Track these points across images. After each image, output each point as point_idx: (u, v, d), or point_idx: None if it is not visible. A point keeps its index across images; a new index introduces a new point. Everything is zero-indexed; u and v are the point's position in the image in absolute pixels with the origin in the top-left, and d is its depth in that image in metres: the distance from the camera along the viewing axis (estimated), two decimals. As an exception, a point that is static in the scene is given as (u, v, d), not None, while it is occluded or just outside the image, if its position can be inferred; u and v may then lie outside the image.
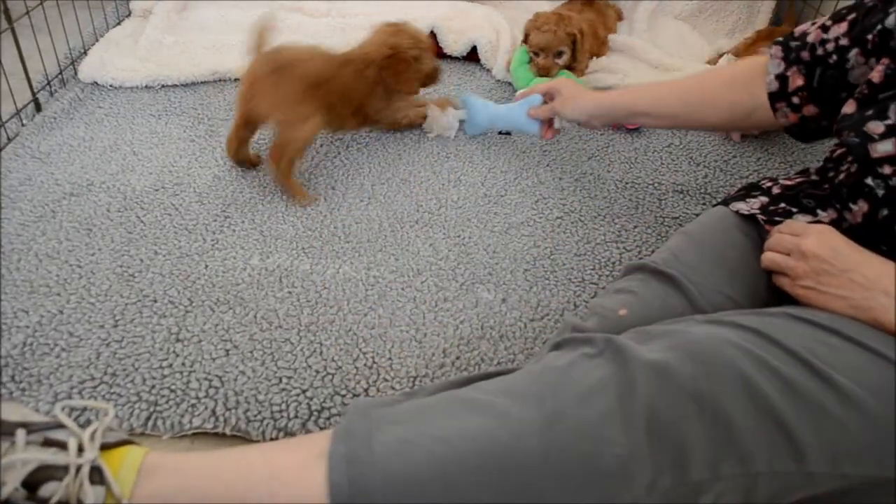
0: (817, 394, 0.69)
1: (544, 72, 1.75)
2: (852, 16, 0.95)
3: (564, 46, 1.75)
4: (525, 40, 1.82)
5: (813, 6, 2.09)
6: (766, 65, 1.06)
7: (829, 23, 0.98)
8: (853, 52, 0.93)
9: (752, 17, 2.21)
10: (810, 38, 0.99)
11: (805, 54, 1.00)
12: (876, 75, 0.86)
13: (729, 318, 0.77)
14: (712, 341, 0.72)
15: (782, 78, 1.03)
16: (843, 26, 0.95)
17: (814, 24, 1.01)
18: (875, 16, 0.90)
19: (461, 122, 1.64)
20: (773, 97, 1.05)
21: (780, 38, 1.05)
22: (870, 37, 0.90)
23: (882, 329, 0.75)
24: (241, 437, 0.97)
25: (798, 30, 1.04)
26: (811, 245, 0.83)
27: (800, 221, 0.92)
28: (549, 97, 1.42)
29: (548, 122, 1.46)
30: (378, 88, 1.52)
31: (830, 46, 0.96)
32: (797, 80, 1.01)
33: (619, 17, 2.19)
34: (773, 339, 0.72)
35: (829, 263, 0.81)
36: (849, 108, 0.89)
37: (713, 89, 1.14)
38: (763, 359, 0.70)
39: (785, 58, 1.03)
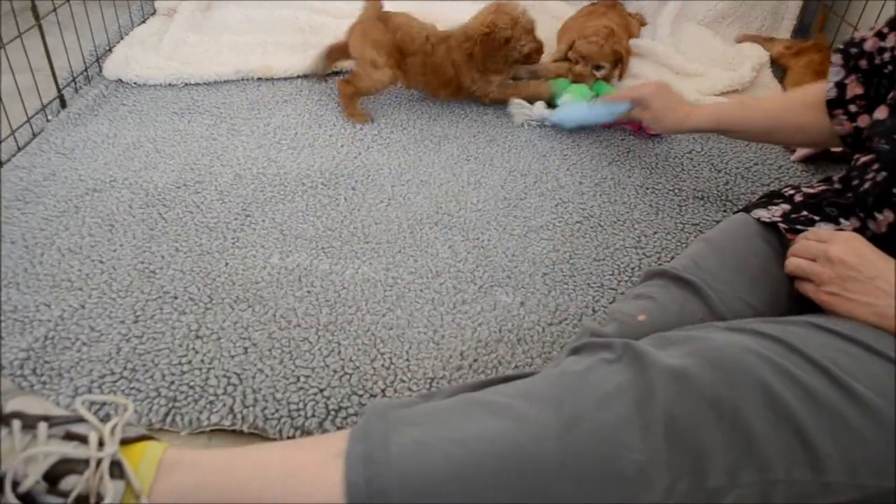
0: (837, 403, 0.68)
1: (580, 79, 1.76)
2: None
3: (606, 62, 1.75)
4: (570, 47, 1.80)
5: (838, 14, 2.07)
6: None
7: (885, 30, 0.98)
8: None
9: (777, 24, 2.20)
10: (867, 46, 0.99)
11: (863, 62, 1.00)
12: None
13: (749, 326, 0.76)
14: (732, 348, 0.71)
15: (840, 86, 1.04)
16: None
17: (871, 29, 1.01)
18: None
19: (547, 119, 1.70)
20: (832, 104, 1.06)
21: (841, 46, 1.05)
22: None
23: None
24: (258, 435, 0.98)
25: (857, 35, 1.03)
26: (838, 251, 0.82)
27: (825, 230, 0.91)
28: (637, 104, 1.47)
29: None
30: (472, 63, 1.68)
31: (887, 56, 0.96)
32: (856, 89, 1.01)
33: (642, 23, 2.18)
34: (793, 347, 0.72)
35: (856, 270, 0.80)
36: (880, 113, 0.89)
37: (801, 114, 1.15)
38: (783, 367, 0.69)
39: (844, 65, 1.03)
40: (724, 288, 0.91)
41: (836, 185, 1.01)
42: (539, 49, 1.69)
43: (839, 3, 2.09)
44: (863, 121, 1.03)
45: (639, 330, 0.86)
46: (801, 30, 2.24)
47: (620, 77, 1.83)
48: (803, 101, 1.16)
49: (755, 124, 1.25)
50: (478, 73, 1.69)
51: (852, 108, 1.03)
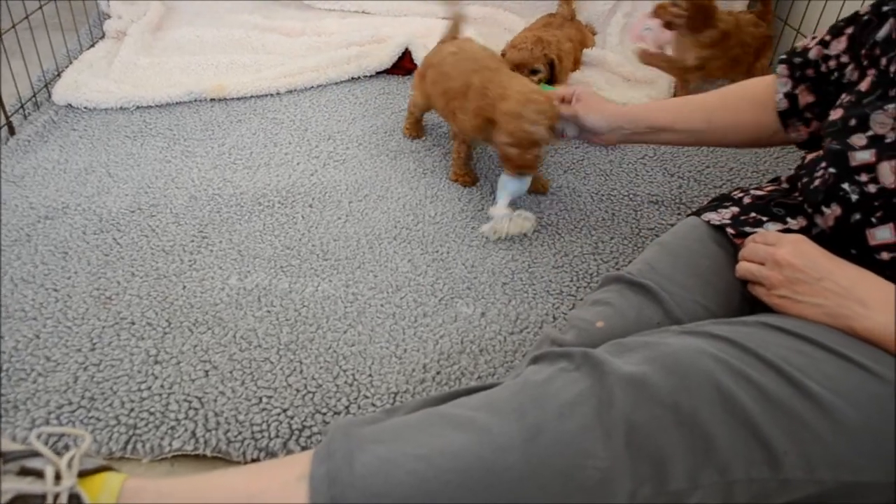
0: (791, 401, 0.69)
1: None
2: (850, 30, 0.97)
3: (540, 65, 1.77)
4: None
5: (780, 18, 2.12)
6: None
7: (828, 37, 1.00)
8: (849, 68, 0.95)
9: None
10: (812, 55, 1.01)
11: (810, 71, 1.02)
12: (864, 85, 0.88)
13: (704, 329, 0.78)
14: (688, 352, 0.73)
15: (791, 96, 1.05)
16: (843, 42, 0.97)
17: (813, 38, 1.03)
18: (871, 31, 0.92)
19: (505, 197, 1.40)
20: (785, 115, 1.06)
21: (785, 56, 1.06)
22: (864, 51, 0.92)
23: (855, 336, 0.77)
24: (221, 459, 0.97)
25: (801, 45, 1.05)
26: (785, 254, 0.84)
27: (773, 231, 0.93)
28: (566, 100, 1.32)
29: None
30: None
31: (833, 63, 0.98)
32: (807, 97, 1.03)
33: (593, 33, 2.21)
34: (747, 348, 0.73)
35: (804, 272, 0.82)
36: (835, 114, 0.91)
37: (738, 109, 1.13)
38: (738, 368, 0.71)
39: (791, 76, 1.04)
40: (678, 290, 0.93)
41: (784, 185, 1.03)
42: (530, 161, 1.34)
43: (782, 8, 2.14)
44: (815, 126, 1.05)
45: (597, 336, 0.87)
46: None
47: (559, 81, 1.83)
48: (741, 95, 1.15)
49: (692, 123, 1.18)
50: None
51: (807, 114, 1.04)
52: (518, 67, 1.77)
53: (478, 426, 0.70)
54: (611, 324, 0.90)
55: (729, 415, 0.69)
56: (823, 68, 1.00)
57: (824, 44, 1.00)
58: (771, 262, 0.86)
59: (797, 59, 1.04)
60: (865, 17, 0.94)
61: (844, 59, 0.97)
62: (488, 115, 1.35)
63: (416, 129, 1.73)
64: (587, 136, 1.33)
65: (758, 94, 1.12)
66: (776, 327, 0.78)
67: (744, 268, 0.90)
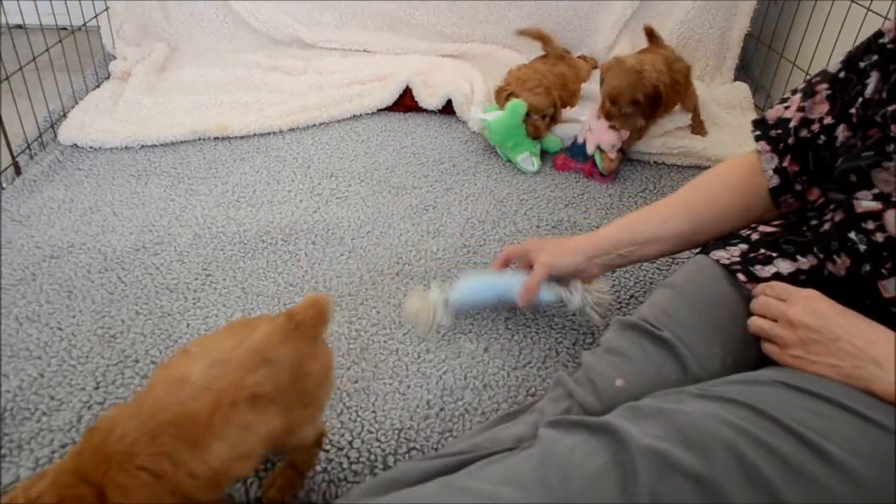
0: (811, 467, 0.69)
1: (537, 132, 1.79)
2: (826, 91, 0.94)
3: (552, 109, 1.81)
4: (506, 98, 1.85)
5: (777, 51, 2.15)
6: (759, 162, 1.03)
7: (803, 103, 0.97)
8: (840, 129, 0.93)
9: (720, 63, 2.27)
10: (792, 124, 0.98)
11: (791, 140, 0.98)
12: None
13: (720, 392, 0.77)
14: (706, 421, 0.72)
15: (781, 171, 1.00)
16: (824, 106, 0.95)
17: (787, 107, 1.00)
18: (853, 88, 0.90)
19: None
20: (777, 191, 1.01)
21: (759, 132, 1.02)
22: (853, 110, 0.90)
23: (874, 397, 0.75)
24: (223, 500, 0.97)
25: (771, 116, 1.02)
26: (798, 313, 0.83)
27: (784, 284, 0.90)
28: (525, 266, 1.23)
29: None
30: None
31: (816, 127, 0.95)
32: (793, 167, 0.99)
33: (594, 66, 2.23)
34: (765, 413, 0.72)
35: (818, 332, 0.80)
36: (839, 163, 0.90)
37: (722, 200, 1.06)
38: (756, 435, 0.70)
39: (774, 150, 1.00)
40: (697, 342, 0.91)
41: (793, 219, 1.01)
42: None
43: (777, 41, 2.18)
44: (813, 195, 1.00)
45: (617, 395, 0.87)
46: (742, 68, 2.32)
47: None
48: (724, 185, 1.07)
49: (677, 226, 1.09)
50: None
51: (797, 187, 1.00)
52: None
53: (503, 503, 0.70)
54: (630, 381, 0.89)
55: (750, 484, 0.68)
56: (804, 133, 0.97)
57: (801, 109, 0.97)
58: (784, 321, 0.84)
59: (773, 132, 1.01)
60: (841, 76, 0.92)
61: (828, 120, 0.94)
62: None
63: None
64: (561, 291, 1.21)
65: (739, 178, 1.06)
66: (794, 387, 0.76)
67: (756, 324, 0.88)
